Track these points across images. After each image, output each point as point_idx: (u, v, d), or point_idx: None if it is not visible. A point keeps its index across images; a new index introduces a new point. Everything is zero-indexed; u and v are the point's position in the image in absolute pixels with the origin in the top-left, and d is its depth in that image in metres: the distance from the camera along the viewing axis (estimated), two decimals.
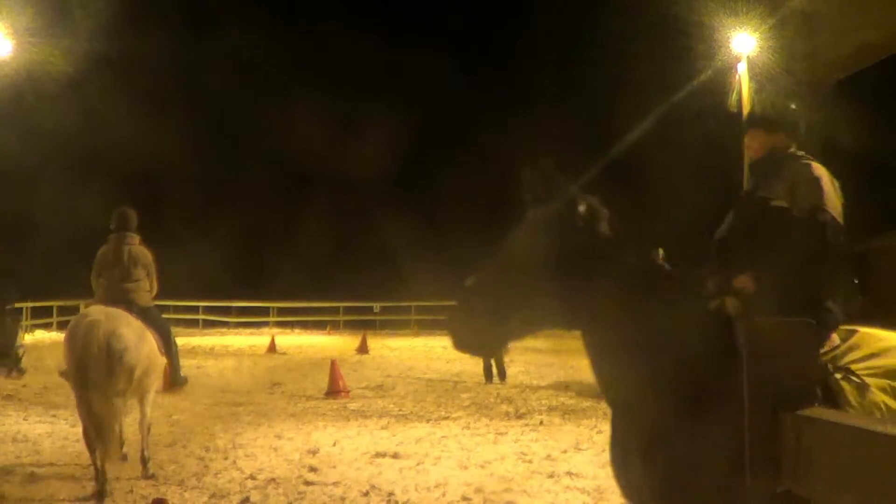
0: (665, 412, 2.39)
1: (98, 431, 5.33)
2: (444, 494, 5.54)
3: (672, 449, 2.38)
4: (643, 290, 2.53)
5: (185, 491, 5.53)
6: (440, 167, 36.22)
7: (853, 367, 2.65)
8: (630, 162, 30.72)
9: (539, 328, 2.67)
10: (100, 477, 5.30)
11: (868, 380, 2.62)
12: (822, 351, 2.69)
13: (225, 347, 18.73)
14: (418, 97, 36.07)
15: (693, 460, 2.33)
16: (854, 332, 2.81)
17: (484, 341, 2.61)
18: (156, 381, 6.18)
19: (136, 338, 5.65)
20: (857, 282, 3.69)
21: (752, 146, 3.25)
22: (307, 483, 5.78)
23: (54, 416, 8.23)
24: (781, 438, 1.77)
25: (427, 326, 25.13)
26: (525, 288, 2.46)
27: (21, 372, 6.94)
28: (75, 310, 21.37)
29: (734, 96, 19.93)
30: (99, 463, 5.33)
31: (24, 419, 8.21)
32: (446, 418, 8.75)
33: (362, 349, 17.12)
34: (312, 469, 6.21)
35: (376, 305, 26.88)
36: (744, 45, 19.38)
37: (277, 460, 6.55)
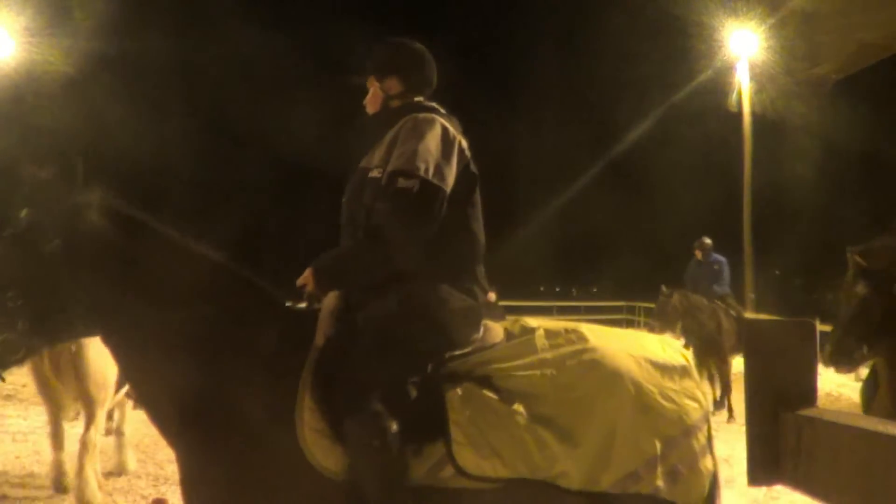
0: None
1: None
2: None
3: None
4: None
5: None
6: None
7: (500, 372, 2.22)
8: (630, 161, 30.76)
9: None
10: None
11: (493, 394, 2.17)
12: (457, 351, 2.26)
13: None
14: None
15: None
16: (533, 329, 2.37)
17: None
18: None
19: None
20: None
21: (368, 99, 2.64)
22: None
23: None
24: (781, 438, 1.77)
25: None
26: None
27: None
28: None
29: (734, 96, 19.95)
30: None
31: (24, 419, 8.21)
32: None
33: None
34: None
35: None
36: (744, 45, 19.40)
37: None
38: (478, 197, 2.50)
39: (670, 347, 2.42)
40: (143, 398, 2.46)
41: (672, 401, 2.25)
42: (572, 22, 33.10)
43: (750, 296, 18.86)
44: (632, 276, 28.93)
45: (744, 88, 19.63)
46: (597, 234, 31.19)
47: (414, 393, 2.17)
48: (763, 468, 1.81)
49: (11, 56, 18.86)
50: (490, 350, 2.29)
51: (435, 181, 2.29)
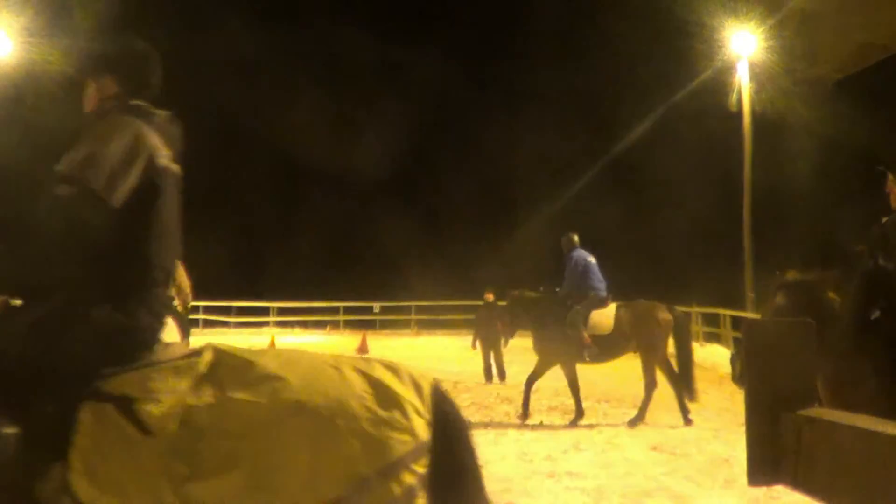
0: None
1: None
2: None
3: None
4: None
5: None
6: (441, 167, 36.27)
7: (146, 396, 1.93)
8: (630, 161, 30.76)
9: None
10: None
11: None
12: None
13: None
14: (419, 97, 36.10)
15: None
16: (215, 350, 2.09)
17: None
18: None
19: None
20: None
21: (84, 99, 2.42)
22: None
23: None
24: (781, 438, 1.77)
25: (427, 326, 25.14)
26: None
27: None
28: None
29: (734, 96, 19.96)
30: None
31: None
32: None
33: (362, 349, 17.12)
34: None
35: (376, 305, 26.88)
36: (744, 45, 19.41)
37: None
38: (168, 215, 2.26)
39: (385, 370, 2.09)
40: None
41: (365, 434, 1.90)
42: (573, 23, 33.10)
43: (750, 296, 18.86)
44: (632, 276, 28.94)
45: (744, 88, 19.64)
46: (597, 235, 31.18)
47: (49, 409, 1.93)
48: (763, 468, 1.81)
49: (11, 56, 18.86)
50: (147, 370, 2.02)
51: (101, 193, 2.04)
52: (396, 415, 1.95)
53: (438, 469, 1.97)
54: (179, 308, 9.09)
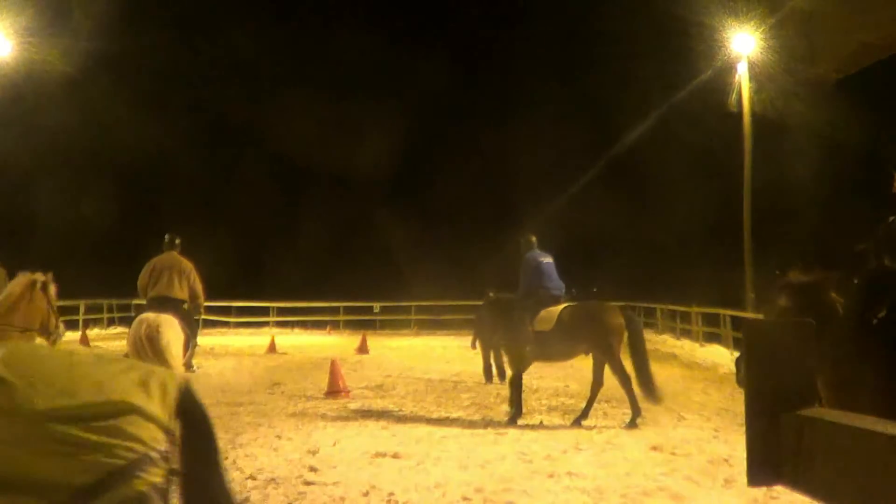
0: None
1: None
2: (444, 494, 5.54)
3: None
4: None
5: None
6: (441, 167, 36.24)
7: None
8: (630, 161, 30.75)
9: None
10: None
11: None
12: None
13: (225, 347, 18.70)
14: (419, 97, 36.08)
15: None
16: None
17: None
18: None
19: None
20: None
21: None
22: (307, 483, 5.78)
23: None
24: (781, 438, 1.77)
25: (427, 326, 25.12)
26: None
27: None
28: (75, 310, 21.38)
29: (734, 96, 19.95)
30: None
31: None
32: (446, 418, 8.75)
33: (362, 349, 17.12)
34: (312, 469, 6.21)
35: (376, 305, 26.86)
36: (744, 45, 19.41)
37: (277, 460, 6.55)
38: None
39: (127, 372, 1.99)
40: None
41: (83, 445, 1.79)
42: (573, 22, 33.09)
43: (750, 296, 18.85)
44: (631, 276, 28.94)
45: (744, 88, 19.64)
46: (597, 234, 31.21)
47: None
48: (763, 468, 1.81)
49: (11, 56, 18.85)
50: None
51: None
52: (123, 423, 1.85)
53: (178, 473, 1.90)
54: (194, 314, 9.21)
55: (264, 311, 26.49)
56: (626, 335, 8.42)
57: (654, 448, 7.05)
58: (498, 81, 41.17)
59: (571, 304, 8.85)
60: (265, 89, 40.31)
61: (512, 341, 8.94)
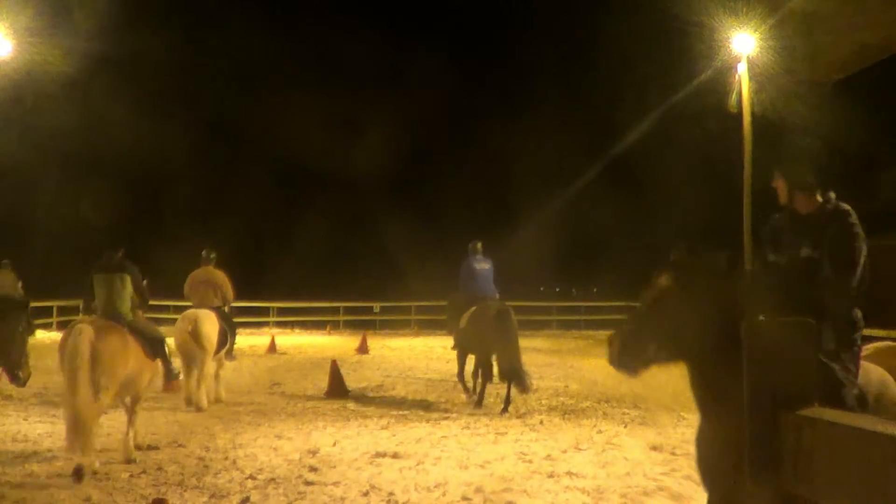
0: None
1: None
2: (444, 494, 5.54)
3: None
4: None
5: (185, 491, 5.53)
6: (441, 168, 36.24)
7: None
8: (630, 161, 30.75)
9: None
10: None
11: None
12: None
13: None
14: (419, 98, 36.08)
15: None
16: None
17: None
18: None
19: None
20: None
21: None
22: (307, 483, 5.78)
23: (54, 416, 8.22)
24: (781, 438, 1.77)
25: (427, 326, 25.10)
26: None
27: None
28: (75, 310, 21.38)
29: (734, 96, 19.94)
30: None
31: (25, 419, 8.21)
32: (446, 418, 8.75)
33: (362, 349, 17.11)
34: (312, 469, 6.21)
35: (376, 305, 26.86)
36: (744, 45, 19.40)
37: (277, 460, 6.55)
38: None
39: None
40: None
41: None
42: (573, 23, 33.08)
43: None
44: (632, 276, 28.92)
45: (744, 88, 19.63)
46: (597, 234, 31.22)
47: None
48: (763, 468, 1.81)
49: (11, 56, 18.84)
50: None
51: None
52: None
53: None
54: (226, 311, 10.35)
55: (264, 311, 26.48)
56: (499, 330, 9.34)
57: (654, 448, 7.05)
58: (498, 82, 41.20)
59: (478, 305, 9.87)
60: (265, 89, 40.31)
61: (453, 335, 10.44)
